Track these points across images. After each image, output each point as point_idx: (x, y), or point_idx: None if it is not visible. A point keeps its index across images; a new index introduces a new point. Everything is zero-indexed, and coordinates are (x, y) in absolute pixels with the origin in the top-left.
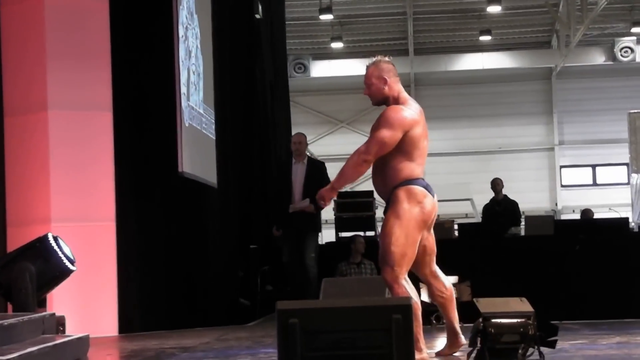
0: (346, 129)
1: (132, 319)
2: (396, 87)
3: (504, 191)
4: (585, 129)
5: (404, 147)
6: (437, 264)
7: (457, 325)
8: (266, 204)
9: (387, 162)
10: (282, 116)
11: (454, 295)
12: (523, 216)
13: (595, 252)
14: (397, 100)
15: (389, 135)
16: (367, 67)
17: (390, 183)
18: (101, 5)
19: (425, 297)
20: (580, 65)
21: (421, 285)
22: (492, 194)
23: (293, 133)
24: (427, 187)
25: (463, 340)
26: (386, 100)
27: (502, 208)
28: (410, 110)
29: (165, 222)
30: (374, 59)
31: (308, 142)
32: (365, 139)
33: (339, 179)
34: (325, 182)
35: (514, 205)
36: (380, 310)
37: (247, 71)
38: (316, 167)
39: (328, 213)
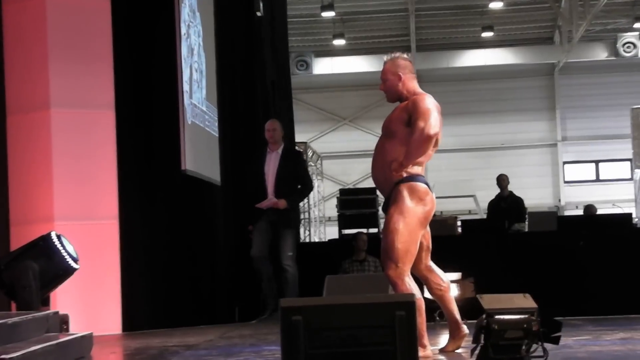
0: (349, 126)
1: (135, 317)
2: (411, 84)
3: (509, 188)
4: (588, 124)
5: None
6: (441, 260)
7: (458, 316)
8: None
9: (389, 156)
10: (285, 113)
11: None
12: (526, 212)
13: (598, 248)
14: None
15: (434, 113)
16: (385, 63)
17: (392, 179)
18: (103, 4)
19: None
20: (582, 61)
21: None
22: (495, 190)
23: (296, 131)
24: (427, 184)
25: (465, 329)
26: (400, 97)
27: (507, 204)
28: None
29: (168, 220)
30: (392, 55)
31: (310, 140)
32: (368, 136)
33: (407, 158)
34: (300, 173)
35: (519, 202)
36: (383, 307)
37: (249, 68)
38: (291, 157)
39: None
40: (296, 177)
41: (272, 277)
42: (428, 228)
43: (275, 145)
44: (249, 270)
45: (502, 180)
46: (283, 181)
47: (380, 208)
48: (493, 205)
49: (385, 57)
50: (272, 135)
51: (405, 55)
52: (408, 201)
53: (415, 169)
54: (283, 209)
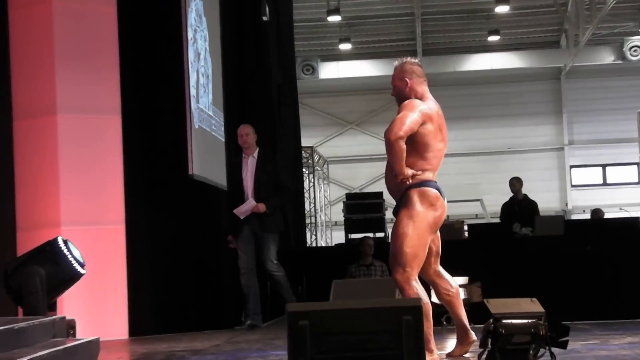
0: (355, 130)
1: (142, 322)
2: (419, 89)
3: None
4: (594, 128)
5: (418, 147)
6: (448, 264)
7: (467, 322)
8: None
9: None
10: (291, 118)
11: (462, 294)
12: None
13: (605, 252)
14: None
15: (408, 114)
16: (394, 69)
17: (403, 183)
18: (109, 9)
19: (435, 298)
20: (589, 64)
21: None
22: (501, 194)
23: (302, 135)
24: (439, 190)
25: (473, 336)
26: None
27: (520, 208)
28: (425, 105)
29: (175, 225)
30: (401, 61)
31: (316, 144)
32: (374, 140)
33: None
34: (280, 176)
35: (533, 206)
36: (390, 311)
37: (255, 73)
38: (270, 160)
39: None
40: (276, 180)
41: (258, 291)
42: (438, 233)
43: (249, 150)
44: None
45: (512, 184)
46: (263, 186)
47: (386, 212)
48: (507, 208)
49: (395, 63)
50: (245, 140)
51: (413, 60)
52: (418, 206)
53: (426, 175)
54: (264, 214)
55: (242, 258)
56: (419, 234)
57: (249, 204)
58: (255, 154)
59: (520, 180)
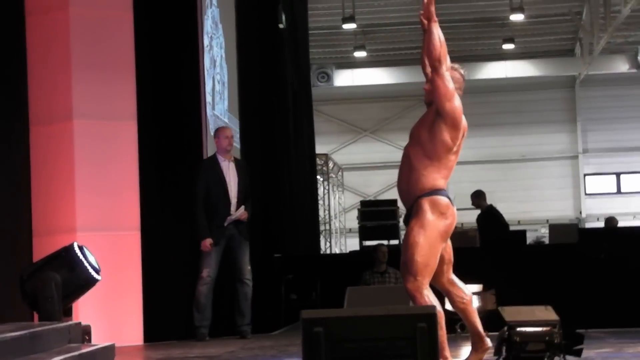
0: (369, 138)
1: (157, 327)
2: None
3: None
4: (609, 136)
5: (434, 152)
6: (461, 272)
7: (481, 329)
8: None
9: (414, 169)
10: (305, 125)
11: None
12: (547, 224)
13: (619, 260)
14: None
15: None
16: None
17: (415, 192)
18: (126, 16)
19: (449, 305)
20: (603, 73)
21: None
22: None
23: (317, 142)
24: (449, 198)
25: (489, 342)
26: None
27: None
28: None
29: (190, 231)
30: (452, 65)
31: (331, 151)
32: (389, 147)
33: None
34: (248, 182)
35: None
36: (405, 318)
37: (270, 80)
38: (244, 166)
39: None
40: (250, 186)
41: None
42: (449, 241)
43: (229, 155)
44: (269, 280)
45: (472, 200)
46: (243, 192)
47: (400, 220)
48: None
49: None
50: (230, 143)
51: (456, 66)
52: (429, 215)
53: (439, 183)
54: (239, 221)
55: (212, 267)
56: (430, 243)
57: (240, 211)
58: (233, 160)
59: (478, 194)
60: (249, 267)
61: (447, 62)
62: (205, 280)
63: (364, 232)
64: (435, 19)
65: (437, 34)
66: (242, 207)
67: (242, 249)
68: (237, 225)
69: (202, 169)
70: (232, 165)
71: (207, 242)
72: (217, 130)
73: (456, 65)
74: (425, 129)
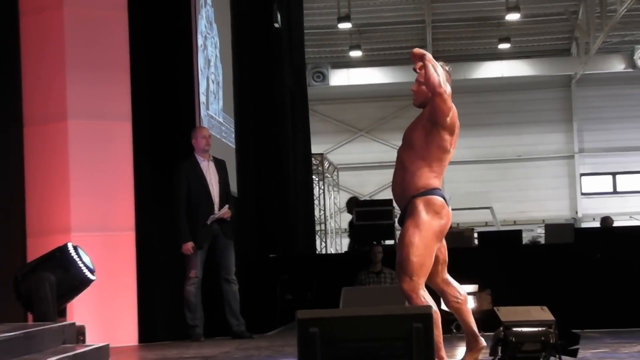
0: (365, 137)
1: (152, 328)
2: None
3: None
4: (605, 136)
5: (429, 155)
6: (458, 272)
7: (476, 328)
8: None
9: (407, 170)
10: (301, 125)
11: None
12: (543, 224)
13: (615, 260)
14: None
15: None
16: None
17: (409, 192)
18: (120, 15)
19: (444, 305)
20: (599, 72)
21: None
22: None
23: (312, 142)
24: (444, 198)
25: (483, 342)
26: (425, 103)
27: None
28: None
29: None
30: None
31: (327, 151)
32: (384, 147)
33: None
34: (227, 182)
35: None
36: (400, 319)
37: (266, 80)
38: (223, 165)
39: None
40: (229, 185)
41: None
42: (444, 241)
43: (207, 154)
44: (264, 280)
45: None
46: (224, 191)
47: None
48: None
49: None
50: (208, 142)
51: (441, 64)
52: (424, 214)
53: (433, 182)
54: (223, 220)
55: (198, 268)
56: (426, 243)
57: (224, 210)
58: (211, 159)
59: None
60: (234, 267)
61: (448, 87)
62: (193, 280)
63: (359, 232)
64: (428, 57)
65: (431, 67)
66: (226, 206)
67: (227, 248)
68: (222, 225)
69: (181, 170)
70: (211, 165)
71: (189, 245)
72: (194, 131)
73: (441, 63)
74: (420, 133)
